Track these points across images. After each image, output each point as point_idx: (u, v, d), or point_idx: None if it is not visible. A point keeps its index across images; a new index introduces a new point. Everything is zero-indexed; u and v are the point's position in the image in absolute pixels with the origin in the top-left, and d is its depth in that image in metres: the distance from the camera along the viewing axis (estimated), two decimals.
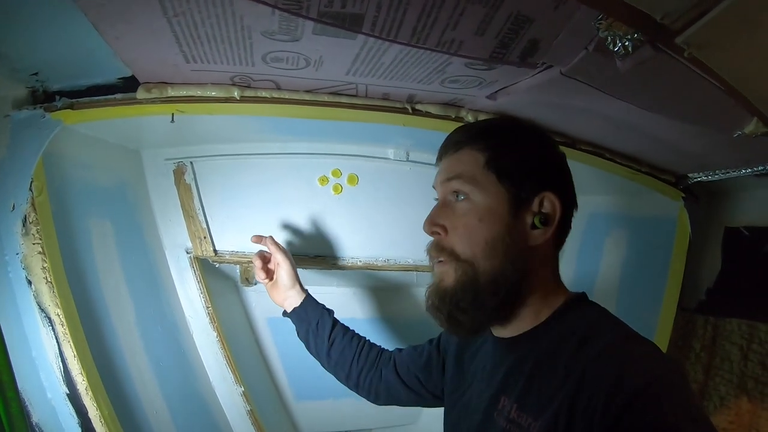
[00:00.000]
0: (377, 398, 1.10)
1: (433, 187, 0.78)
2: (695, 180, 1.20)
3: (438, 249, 0.71)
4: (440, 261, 0.71)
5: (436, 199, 0.77)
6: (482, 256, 0.68)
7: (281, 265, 1.13)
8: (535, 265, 0.70)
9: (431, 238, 0.75)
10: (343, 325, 1.15)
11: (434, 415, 1.67)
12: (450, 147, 0.75)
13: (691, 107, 0.79)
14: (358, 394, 1.12)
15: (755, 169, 1.00)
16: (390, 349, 1.13)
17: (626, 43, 0.60)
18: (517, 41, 0.68)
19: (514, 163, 0.70)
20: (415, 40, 0.68)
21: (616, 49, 0.61)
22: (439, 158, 0.78)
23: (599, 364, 0.57)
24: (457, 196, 0.71)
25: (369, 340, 1.15)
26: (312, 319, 1.12)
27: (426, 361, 1.00)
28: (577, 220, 1.50)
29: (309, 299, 1.15)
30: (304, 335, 1.14)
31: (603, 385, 0.54)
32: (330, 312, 1.16)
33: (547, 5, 0.60)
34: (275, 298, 1.18)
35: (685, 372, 0.57)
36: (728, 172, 1.08)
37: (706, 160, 1.09)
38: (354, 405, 1.58)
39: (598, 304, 0.71)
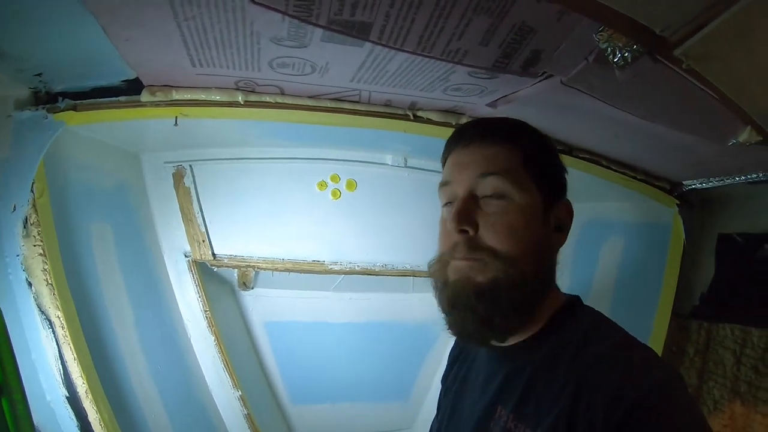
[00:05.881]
0: None
1: (447, 182, 0.69)
2: (690, 187, 1.22)
3: (472, 248, 0.64)
4: (475, 259, 0.64)
5: (447, 203, 0.69)
6: (525, 257, 0.64)
7: None
8: (553, 270, 0.70)
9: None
10: None
11: (429, 423, 1.68)
12: (478, 137, 0.68)
13: (687, 117, 0.81)
14: None
15: (749, 176, 1.02)
16: None
17: (626, 54, 0.61)
18: (520, 51, 0.70)
19: (546, 166, 0.70)
20: (421, 48, 0.69)
21: (615, 60, 0.63)
22: (464, 145, 0.69)
23: (598, 372, 0.57)
24: (492, 194, 0.65)
25: None
26: None
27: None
28: (574, 227, 1.53)
29: None
30: None
31: (603, 394, 0.53)
32: None
33: (550, 16, 0.61)
34: None
35: (682, 377, 0.57)
36: (722, 180, 1.10)
37: (701, 168, 1.11)
38: (351, 409, 1.59)
39: (592, 308, 0.70)
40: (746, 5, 0.48)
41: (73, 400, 0.87)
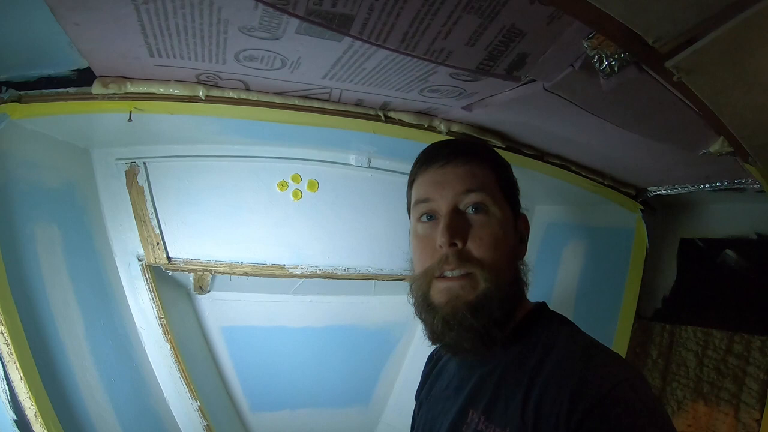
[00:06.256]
0: None
1: (425, 199, 0.72)
2: (654, 193, 1.25)
3: (462, 259, 0.66)
4: (465, 274, 0.66)
5: (429, 216, 0.71)
6: (506, 267, 0.69)
7: None
8: (523, 279, 0.74)
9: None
10: None
11: (390, 427, 1.66)
12: (454, 157, 0.71)
13: (663, 126, 0.82)
14: None
15: (713, 185, 1.05)
16: None
17: (613, 63, 0.61)
18: (506, 54, 0.67)
19: (512, 185, 0.76)
20: (404, 46, 0.65)
21: (602, 68, 0.62)
22: (441, 165, 0.72)
23: (561, 373, 0.58)
24: (474, 209, 0.69)
25: None
26: None
27: None
28: (536, 230, 1.55)
29: None
30: None
31: (566, 391, 0.55)
32: None
33: (540, 20, 0.59)
34: None
35: (645, 377, 0.60)
36: (687, 187, 1.13)
37: (668, 175, 1.14)
38: (309, 415, 1.56)
39: (558, 313, 0.73)
40: (740, 22, 0.47)
41: (22, 423, 0.79)
